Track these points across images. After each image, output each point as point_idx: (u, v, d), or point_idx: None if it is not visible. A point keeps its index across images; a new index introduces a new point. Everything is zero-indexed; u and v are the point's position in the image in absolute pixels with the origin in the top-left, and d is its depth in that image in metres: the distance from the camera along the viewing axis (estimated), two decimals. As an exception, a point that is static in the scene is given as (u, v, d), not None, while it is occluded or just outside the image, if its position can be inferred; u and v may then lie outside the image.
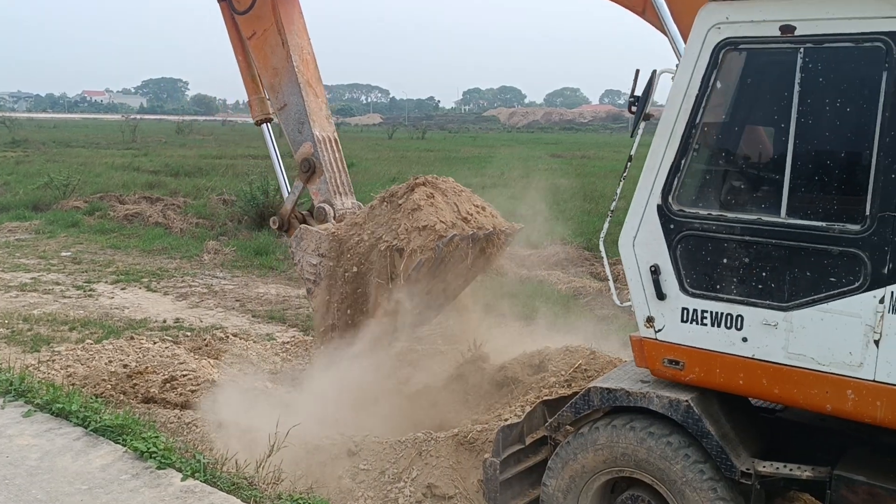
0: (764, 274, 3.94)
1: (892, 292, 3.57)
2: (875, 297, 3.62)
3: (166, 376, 7.77)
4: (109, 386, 7.58)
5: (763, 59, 4.01)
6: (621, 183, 4.51)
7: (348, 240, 6.69)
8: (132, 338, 9.10)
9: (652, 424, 4.42)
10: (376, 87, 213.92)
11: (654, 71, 4.36)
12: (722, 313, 4.08)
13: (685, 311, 4.20)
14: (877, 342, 3.64)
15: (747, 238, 3.96)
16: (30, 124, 60.84)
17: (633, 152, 4.48)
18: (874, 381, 3.67)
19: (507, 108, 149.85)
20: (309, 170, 7.12)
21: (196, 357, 8.55)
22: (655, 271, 4.24)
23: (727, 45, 3.95)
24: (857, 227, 3.64)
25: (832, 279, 3.74)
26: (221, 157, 35.62)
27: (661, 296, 4.25)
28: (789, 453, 4.38)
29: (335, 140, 7.50)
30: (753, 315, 3.99)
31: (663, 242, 4.20)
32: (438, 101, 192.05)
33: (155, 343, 8.96)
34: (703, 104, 4.04)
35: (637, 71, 4.36)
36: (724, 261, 4.05)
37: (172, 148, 42.06)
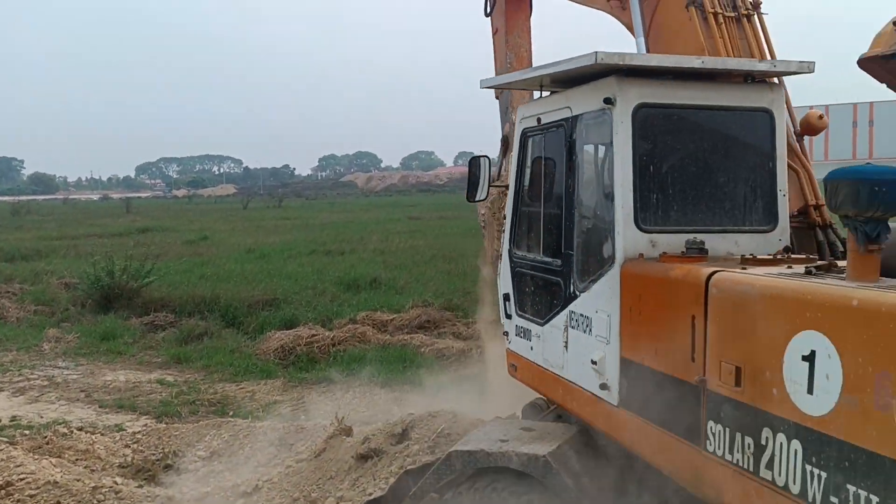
0: (536, 298, 5.27)
1: (571, 311, 4.71)
2: (564, 315, 4.79)
3: (1, 482, 7.14)
4: (-67, 503, 6.84)
5: (535, 143, 5.43)
6: None
7: (495, 191, 7.95)
8: (-40, 444, 8.26)
9: (514, 483, 4.46)
10: (228, 158, 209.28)
11: (481, 158, 5.95)
12: (524, 328, 5.42)
13: (516, 327, 5.56)
14: (566, 348, 4.78)
15: (529, 272, 5.37)
16: None
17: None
18: (567, 379, 4.79)
19: (363, 172, 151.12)
20: (505, 145, 8.45)
21: (35, 458, 7.88)
22: (507, 298, 5.69)
23: (525, 134, 5.48)
24: (559, 262, 4.85)
25: (554, 301, 4.95)
26: (62, 237, 33.53)
27: (508, 316, 5.68)
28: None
29: None
30: (533, 329, 5.27)
31: (510, 277, 5.64)
32: (294, 169, 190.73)
33: (-13, 447, 8.17)
34: (519, 176, 5.57)
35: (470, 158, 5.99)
36: (525, 289, 5.43)
37: (7, 231, 39.15)
